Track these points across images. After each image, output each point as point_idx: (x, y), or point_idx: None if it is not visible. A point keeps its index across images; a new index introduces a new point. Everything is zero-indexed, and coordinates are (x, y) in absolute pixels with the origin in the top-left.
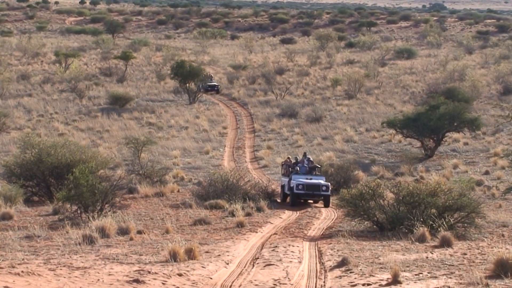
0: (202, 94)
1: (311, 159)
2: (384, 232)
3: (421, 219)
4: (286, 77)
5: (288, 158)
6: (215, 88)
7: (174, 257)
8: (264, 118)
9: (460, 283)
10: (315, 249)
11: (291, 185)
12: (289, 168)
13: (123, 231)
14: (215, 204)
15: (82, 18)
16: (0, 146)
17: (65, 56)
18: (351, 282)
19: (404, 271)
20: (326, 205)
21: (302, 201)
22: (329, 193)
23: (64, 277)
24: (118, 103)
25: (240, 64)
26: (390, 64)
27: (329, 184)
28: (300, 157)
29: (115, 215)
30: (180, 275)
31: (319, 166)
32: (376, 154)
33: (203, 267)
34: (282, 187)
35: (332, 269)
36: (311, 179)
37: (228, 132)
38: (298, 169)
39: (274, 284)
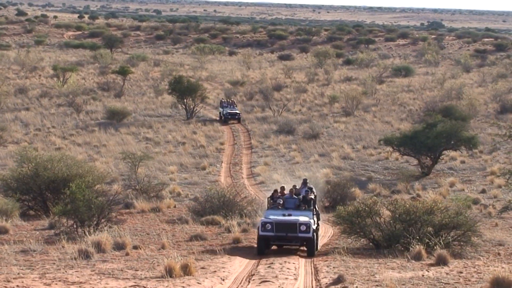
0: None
1: (313, 189)
2: (380, 250)
3: (418, 237)
4: (284, 94)
5: (276, 191)
6: (236, 117)
7: (170, 272)
8: (262, 134)
9: None
10: (311, 266)
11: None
12: (275, 202)
13: (119, 246)
14: (212, 220)
15: (80, 32)
16: None
17: (63, 70)
18: None
19: None
20: (310, 253)
21: (276, 247)
22: (311, 235)
23: None
24: (115, 118)
25: (238, 80)
26: (388, 81)
27: (313, 222)
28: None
29: (111, 230)
30: None
31: (313, 197)
32: (373, 171)
33: (198, 283)
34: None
35: (327, 286)
36: (289, 215)
37: (225, 148)
38: (282, 202)
39: None
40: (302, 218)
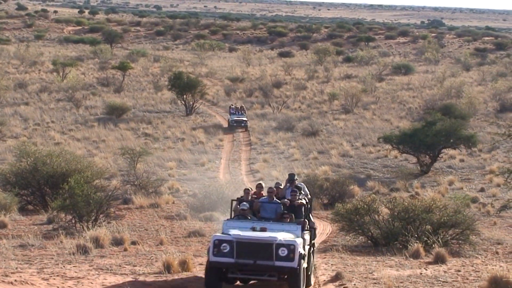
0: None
1: (304, 189)
2: (379, 248)
3: (416, 235)
4: (283, 91)
5: (247, 191)
6: (242, 124)
7: (168, 268)
8: (261, 131)
9: None
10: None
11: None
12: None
13: (117, 242)
14: (210, 216)
15: (80, 27)
16: None
17: (63, 65)
18: None
19: (398, 287)
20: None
21: (239, 282)
22: (295, 263)
23: (57, 287)
24: (114, 113)
25: (237, 76)
26: (388, 79)
27: (301, 242)
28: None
29: (109, 225)
30: None
31: (305, 202)
32: (372, 169)
33: (197, 279)
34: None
35: (326, 283)
36: (263, 229)
37: (224, 144)
38: (247, 207)
39: None
40: (283, 236)
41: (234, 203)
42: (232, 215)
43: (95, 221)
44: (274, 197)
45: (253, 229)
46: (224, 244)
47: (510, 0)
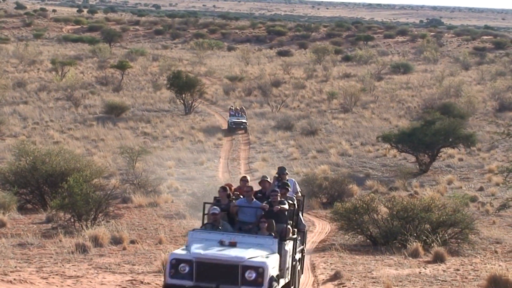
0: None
1: (295, 185)
2: (378, 247)
3: (415, 234)
4: (282, 90)
5: (224, 190)
6: (241, 126)
7: None
8: (260, 130)
9: None
10: (308, 262)
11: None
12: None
13: (116, 241)
14: None
15: (79, 26)
16: None
17: (62, 64)
18: None
19: (397, 286)
20: None
21: None
22: None
23: (57, 286)
24: (113, 112)
25: (236, 75)
26: (386, 78)
27: (271, 263)
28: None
29: (108, 224)
30: None
31: (291, 204)
32: (371, 168)
33: None
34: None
35: (324, 282)
36: (232, 244)
37: (223, 143)
38: (217, 213)
39: None
40: (253, 254)
41: (208, 206)
42: (206, 221)
43: (94, 220)
44: (253, 197)
45: (221, 243)
46: (182, 265)
47: None
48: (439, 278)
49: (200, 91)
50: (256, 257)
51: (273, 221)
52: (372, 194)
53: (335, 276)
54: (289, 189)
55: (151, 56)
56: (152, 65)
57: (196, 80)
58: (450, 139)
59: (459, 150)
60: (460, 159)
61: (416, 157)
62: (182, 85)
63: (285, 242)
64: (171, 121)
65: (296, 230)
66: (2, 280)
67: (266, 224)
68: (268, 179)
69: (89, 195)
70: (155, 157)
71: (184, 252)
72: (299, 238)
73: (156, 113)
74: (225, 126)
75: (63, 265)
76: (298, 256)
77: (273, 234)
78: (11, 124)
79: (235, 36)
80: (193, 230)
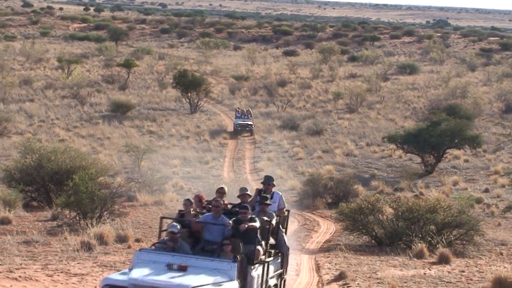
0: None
1: (278, 199)
2: (383, 247)
3: (420, 235)
4: (288, 89)
5: (188, 201)
6: (247, 128)
7: None
8: (265, 129)
9: None
10: (313, 262)
11: None
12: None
13: (121, 239)
14: None
15: (86, 25)
16: (0, 150)
17: (68, 62)
18: None
19: (402, 287)
20: None
21: None
22: None
23: (61, 283)
24: (119, 111)
25: (242, 75)
26: (393, 79)
27: None
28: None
29: (113, 222)
30: None
31: (273, 219)
32: (376, 168)
33: None
34: None
35: (329, 282)
36: (182, 268)
37: (228, 142)
38: (197, 227)
39: None
40: (202, 281)
41: (167, 221)
42: (163, 237)
43: (99, 218)
44: (222, 214)
45: (169, 267)
46: None
47: None
48: (444, 279)
49: (206, 90)
50: (204, 285)
51: (240, 242)
52: (377, 195)
53: (340, 276)
54: (270, 203)
55: (157, 54)
56: (158, 63)
57: (202, 79)
58: (456, 140)
59: (465, 151)
60: (466, 161)
61: (422, 158)
62: (188, 84)
63: (253, 267)
64: (176, 120)
65: (272, 251)
66: (8, 277)
67: (230, 246)
68: (248, 192)
69: (95, 193)
70: (161, 155)
71: (120, 277)
72: (278, 260)
73: (162, 111)
74: (230, 127)
75: (68, 263)
76: (273, 282)
77: (235, 257)
78: (17, 121)
79: (241, 35)
80: (140, 250)
